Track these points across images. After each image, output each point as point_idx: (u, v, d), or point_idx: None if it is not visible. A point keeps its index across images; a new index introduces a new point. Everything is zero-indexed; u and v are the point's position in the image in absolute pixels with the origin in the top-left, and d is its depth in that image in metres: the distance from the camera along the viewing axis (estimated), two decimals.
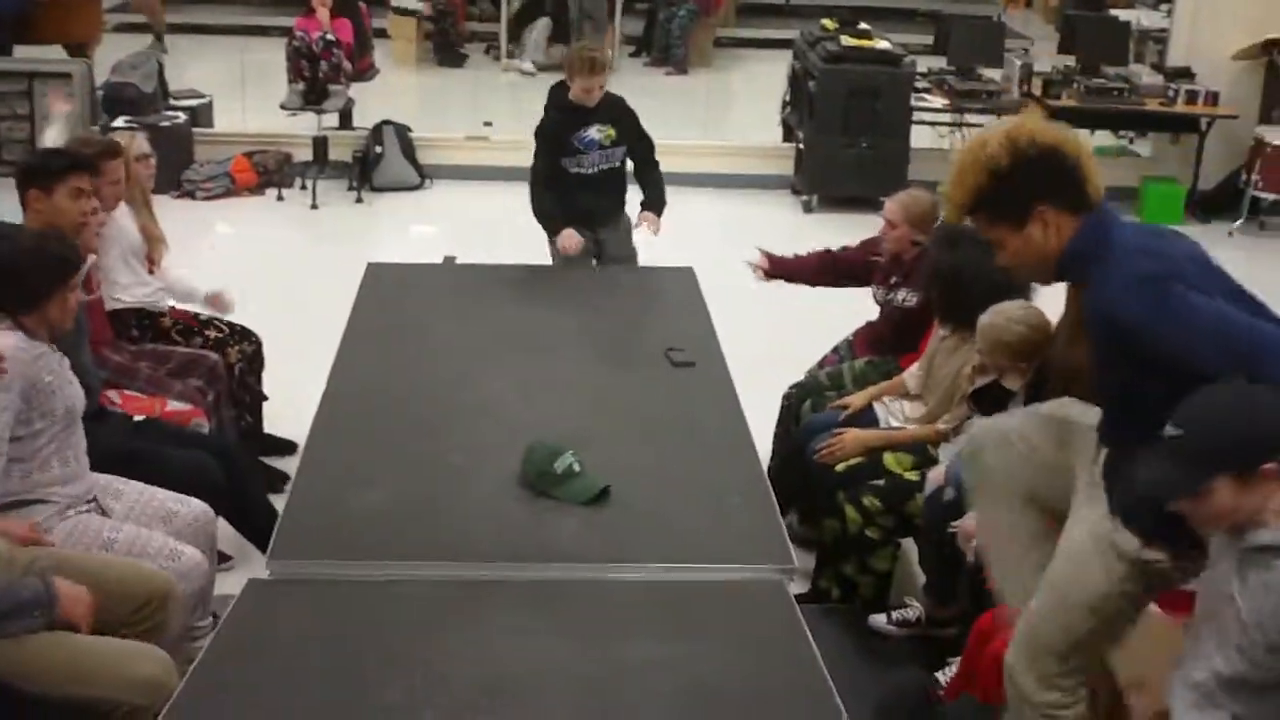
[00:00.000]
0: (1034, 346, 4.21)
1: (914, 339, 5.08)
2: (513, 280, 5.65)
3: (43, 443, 3.81)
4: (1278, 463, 2.71)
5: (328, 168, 9.86)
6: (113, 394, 4.79)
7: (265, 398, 5.71)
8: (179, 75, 10.83)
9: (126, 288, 5.27)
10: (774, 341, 5.86)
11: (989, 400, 4.44)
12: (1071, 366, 3.84)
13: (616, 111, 6.15)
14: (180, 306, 5.56)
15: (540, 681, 2.98)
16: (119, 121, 9.70)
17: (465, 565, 3.41)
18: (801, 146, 10.05)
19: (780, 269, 5.70)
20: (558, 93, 6.10)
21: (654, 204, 6.27)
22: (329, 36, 9.74)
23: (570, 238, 5.87)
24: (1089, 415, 3.33)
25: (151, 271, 5.41)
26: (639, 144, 6.24)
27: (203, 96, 10.65)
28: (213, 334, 5.48)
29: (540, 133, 6.09)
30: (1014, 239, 3.12)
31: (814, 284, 5.68)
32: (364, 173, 9.87)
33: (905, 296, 5.17)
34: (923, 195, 5.32)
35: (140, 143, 5.48)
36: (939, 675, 4.05)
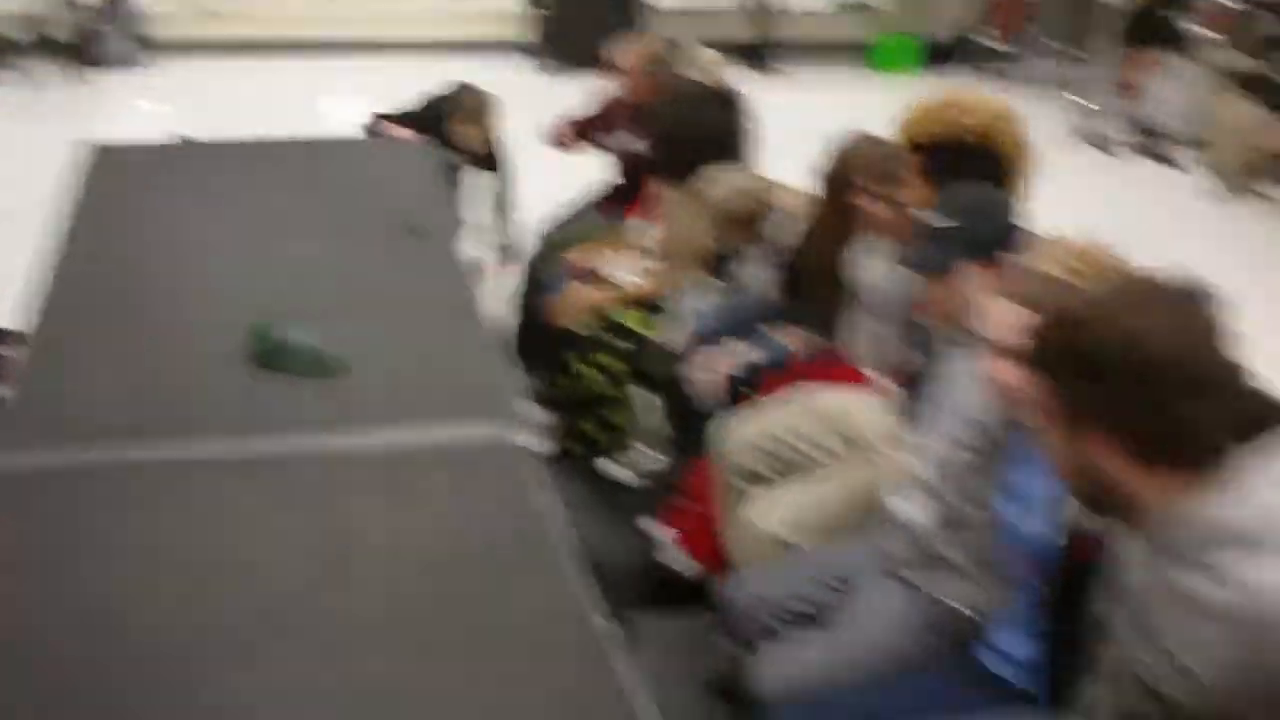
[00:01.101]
0: (760, 218, 4.32)
1: (642, 184, 5.14)
2: (248, 158, 5.50)
3: None
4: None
5: (47, 46, 9.44)
6: None
7: None
8: None
9: None
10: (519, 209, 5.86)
11: (724, 264, 4.56)
12: (826, 269, 3.97)
13: None
14: None
15: (276, 555, 2.95)
16: None
17: (188, 444, 3.34)
18: (545, 10, 9.96)
19: (579, 131, 5.68)
20: None
21: None
22: None
23: None
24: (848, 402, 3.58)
25: None
26: None
27: None
28: None
29: None
30: (920, 198, 3.37)
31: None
32: (86, 51, 9.48)
33: (632, 140, 5.22)
34: (654, 39, 5.37)
35: None
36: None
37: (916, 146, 3.44)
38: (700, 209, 4.45)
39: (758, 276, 4.49)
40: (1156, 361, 2.03)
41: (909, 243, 3.32)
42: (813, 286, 4.16)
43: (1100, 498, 2.17)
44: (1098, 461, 2.11)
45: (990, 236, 3.02)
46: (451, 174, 5.35)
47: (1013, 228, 3.09)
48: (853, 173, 3.88)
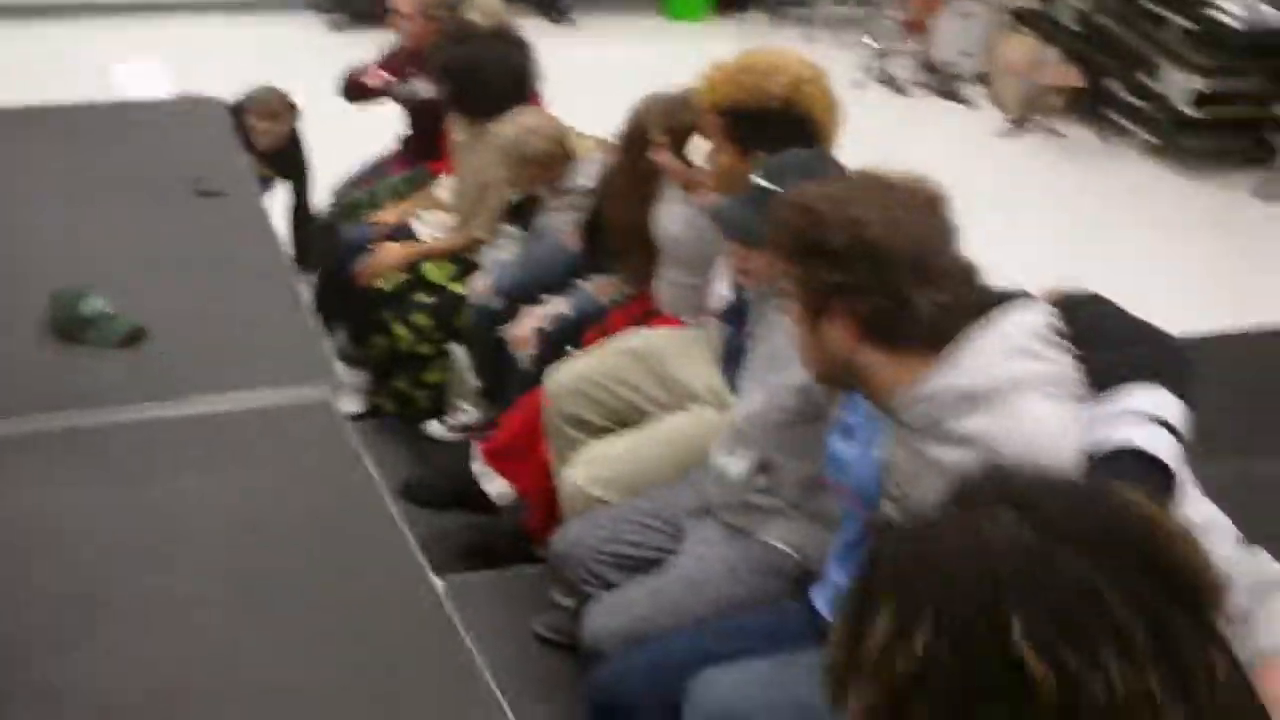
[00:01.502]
0: (556, 160, 4.33)
1: (436, 137, 5.10)
2: (28, 122, 5.30)
3: None
4: None
5: None
6: None
7: None
8: None
9: None
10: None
11: (525, 214, 4.55)
12: (629, 222, 3.99)
13: None
14: None
15: (87, 532, 2.88)
16: None
17: None
18: None
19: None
20: None
21: None
22: None
23: None
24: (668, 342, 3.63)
25: None
26: None
27: None
28: None
29: None
30: (727, 161, 3.36)
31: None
32: None
33: (419, 86, 5.18)
34: None
35: None
36: None
37: (721, 112, 3.39)
38: (495, 151, 4.44)
39: (559, 225, 4.49)
40: (883, 245, 2.26)
41: (721, 200, 3.35)
42: (618, 239, 4.18)
43: (843, 380, 2.45)
44: (838, 344, 2.35)
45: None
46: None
47: None
48: (648, 128, 3.91)
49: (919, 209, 2.36)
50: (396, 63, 5.43)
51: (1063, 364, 2.23)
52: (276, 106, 5.43)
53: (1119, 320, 2.34)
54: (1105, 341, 2.26)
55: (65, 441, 3.20)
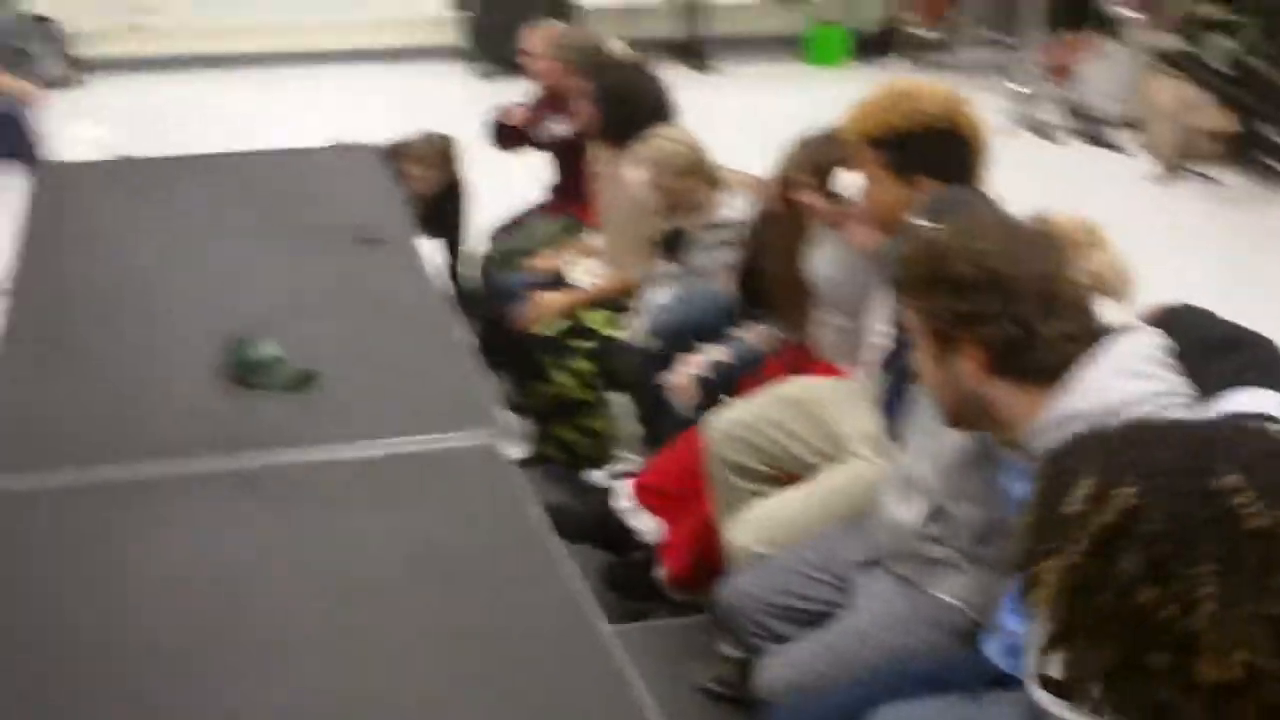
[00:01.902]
0: (698, 165, 4.42)
1: (579, 176, 5.19)
2: (192, 171, 5.45)
3: None
4: None
5: None
6: None
7: None
8: None
9: None
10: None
11: (674, 245, 4.57)
12: (783, 268, 3.97)
13: None
14: None
15: (266, 570, 2.93)
16: None
17: (171, 462, 3.31)
18: (474, 12, 9.91)
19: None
20: None
21: None
22: None
23: None
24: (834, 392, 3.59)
25: None
26: None
27: None
28: None
29: None
30: (885, 193, 3.30)
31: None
32: (18, 74, 9.33)
33: (556, 125, 5.25)
34: (557, 24, 5.44)
35: None
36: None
37: (876, 143, 3.32)
38: (643, 174, 4.46)
39: (712, 264, 4.50)
40: (1008, 274, 2.32)
41: (878, 237, 3.34)
42: (773, 286, 4.17)
43: (972, 418, 2.48)
44: (968, 378, 2.39)
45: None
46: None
47: None
48: (796, 170, 3.91)
49: (1041, 241, 2.45)
50: (536, 109, 5.51)
51: (1173, 382, 2.27)
52: (432, 153, 5.51)
53: (1216, 327, 2.40)
54: (1205, 349, 2.32)
55: (237, 483, 3.26)
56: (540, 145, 5.51)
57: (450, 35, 10.11)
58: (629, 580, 4.11)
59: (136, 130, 8.25)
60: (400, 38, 10.09)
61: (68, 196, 5.09)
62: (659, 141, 4.45)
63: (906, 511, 2.94)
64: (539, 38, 5.42)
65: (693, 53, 9.99)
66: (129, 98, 9.27)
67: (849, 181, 3.50)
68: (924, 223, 2.97)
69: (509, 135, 5.64)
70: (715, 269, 4.48)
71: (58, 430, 3.47)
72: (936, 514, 2.90)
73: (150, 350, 3.88)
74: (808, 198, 3.82)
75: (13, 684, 2.55)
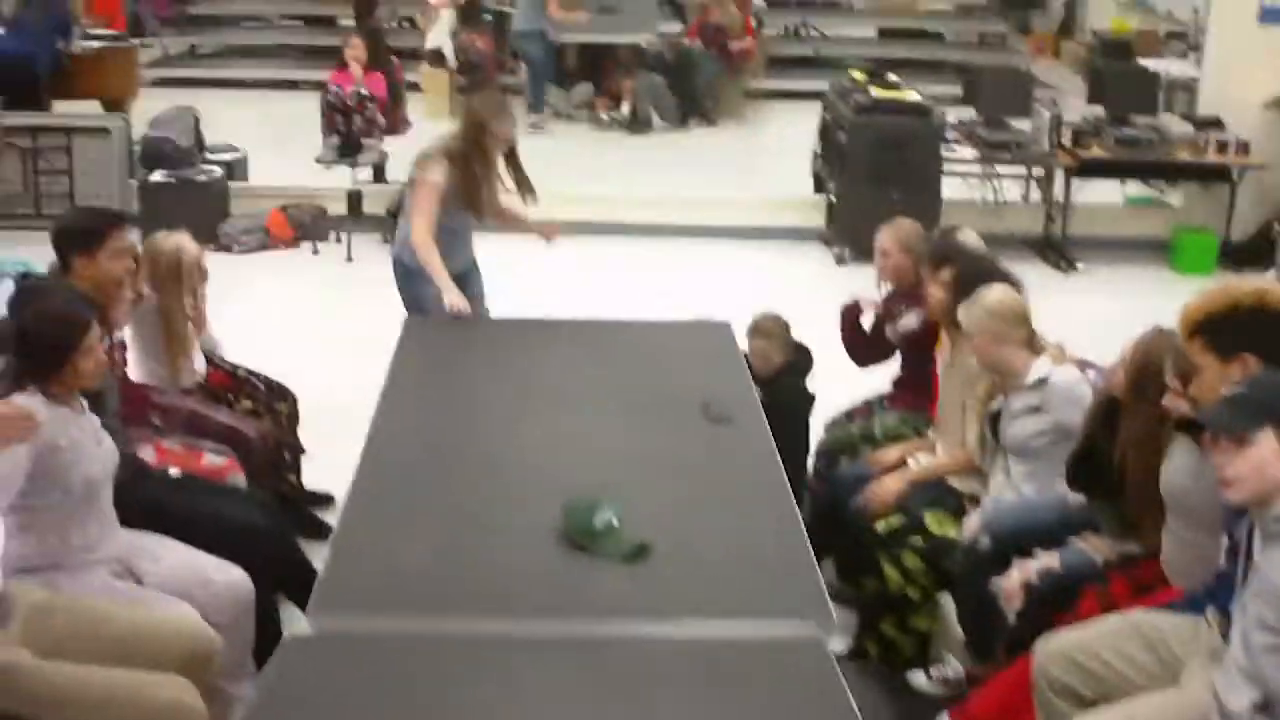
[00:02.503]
0: (1024, 310, 4.48)
1: (926, 369, 5.20)
2: (549, 332, 5.67)
3: (60, 515, 3.78)
4: None
5: (362, 221, 9.93)
6: (148, 447, 4.79)
7: (303, 451, 5.74)
8: (215, 129, 10.92)
9: (152, 377, 5.25)
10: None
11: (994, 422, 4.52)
12: (1137, 474, 3.88)
13: None
14: (216, 363, 5.56)
15: None
16: (156, 175, 9.82)
17: (504, 621, 3.41)
18: (833, 198, 10.07)
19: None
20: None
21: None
22: (362, 91, 9.83)
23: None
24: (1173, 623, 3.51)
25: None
26: None
27: (238, 150, 10.77)
28: (248, 403, 5.47)
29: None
30: (1210, 376, 3.45)
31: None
32: (398, 226, 9.91)
33: (907, 319, 5.26)
34: (910, 222, 5.48)
35: (189, 246, 5.26)
36: None
37: (1196, 331, 3.49)
38: (978, 317, 4.49)
39: (1024, 433, 4.46)
40: None
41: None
42: (1126, 489, 4.04)
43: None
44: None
45: None
46: None
47: None
48: (1161, 369, 3.81)
49: None
50: (888, 302, 5.51)
51: None
52: (771, 332, 5.57)
53: None
54: None
55: (566, 649, 3.34)
56: (893, 341, 5.51)
57: (813, 217, 10.26)
58: None
59: (500, 286, 8.66)
60: (766, 218, 10.29)
61: (428, 350, 5.34)
62: (984, 296, 4.46)
63: (1236, 698, 2.85)
64: (892, 235, 5.46)
65: (1054, 251, 9.88)
66: (497, 254, 9.70)
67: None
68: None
69: (854, 328, 5.68)
70: (1034, 444, 4.43)
71: (399, 577, 3.61)
72: (1266, 703, 2.79)
73: (492, 506, 4.03)
74: (1175, 403, 3.71)
75: None
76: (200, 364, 5.39)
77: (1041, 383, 4.44)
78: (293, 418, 5.66)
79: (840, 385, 5.82)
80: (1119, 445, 4.02)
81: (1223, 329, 3.44)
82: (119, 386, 4.61)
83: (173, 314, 5.17)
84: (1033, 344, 4.52)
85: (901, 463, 4.92)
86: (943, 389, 5.01)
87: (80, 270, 4.51)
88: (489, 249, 8.42)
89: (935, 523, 4.59)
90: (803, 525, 3.98)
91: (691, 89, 13.83)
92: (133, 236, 4.75)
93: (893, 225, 5.54)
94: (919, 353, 5.33)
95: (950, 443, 4.85)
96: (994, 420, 4.58)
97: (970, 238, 5.33)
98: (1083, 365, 4.58)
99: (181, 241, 5.24)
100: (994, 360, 4.51)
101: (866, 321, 5.65)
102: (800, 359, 5.65)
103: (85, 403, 3.92)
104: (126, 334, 4.98)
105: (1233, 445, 3.08)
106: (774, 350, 5.54)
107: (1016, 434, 4.48)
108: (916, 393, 5.38)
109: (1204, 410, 3.32)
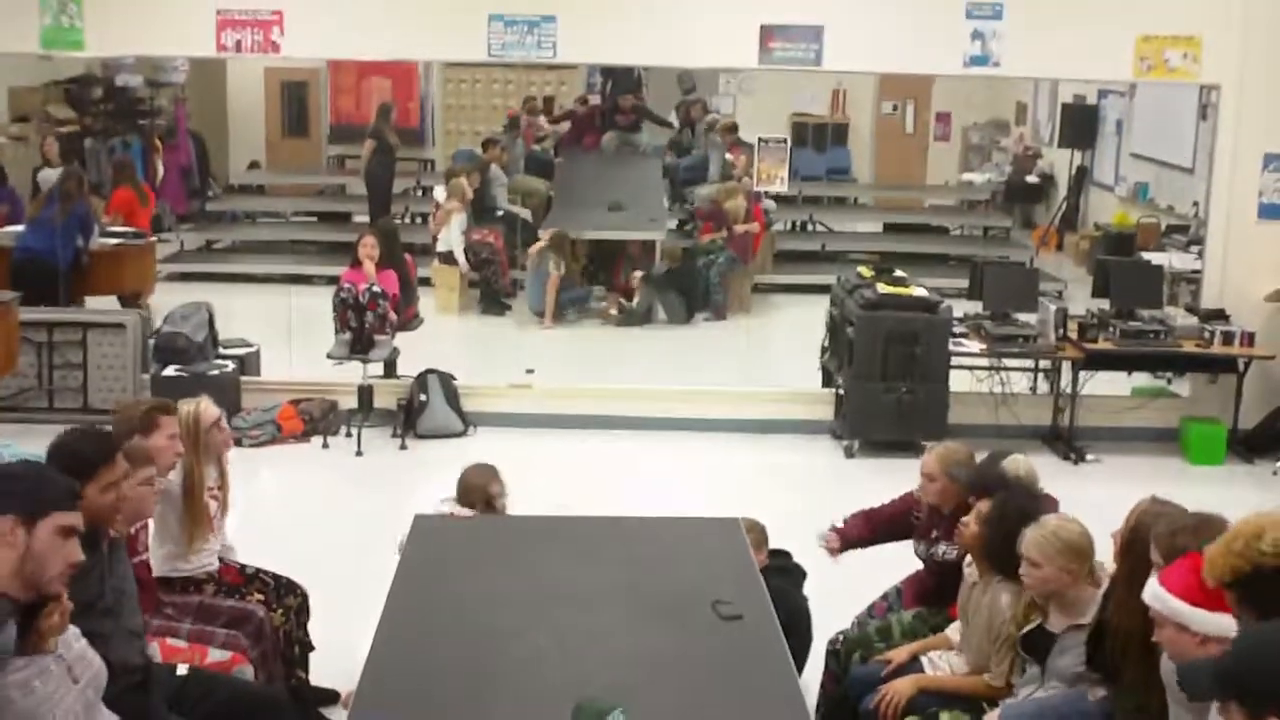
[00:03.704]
0: (1090, 545, 4.36)
1: (957, 590, 5.08)
2: (555, 530, 5.66)
3: None
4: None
5: (372, 415, 10.00)
6: (154, 644, 4.78)
7: (312, 648, 5.71)
8: (227, 324, 11.05)
9: (169, 560, 5.31)
10: (819, 588, 5.84)
11: (1037, 645, 4.44)
12: (1129, 628, 3.87)
13: None
14: (227, 561, 5.59)
15: None
16: (169, 370, 9.92)
17: None
18: (841, 391, 10.12)
19: (846, 542, 5.75)
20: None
21: None
22: (375, 288, 9.94)
23: None
24: None
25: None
26: None
27: (251, 345, 10.88)
28: (257, 596, 5.48)
29: None
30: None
31: (863, 545, 5.75)
32: (408, 420, 9.99)
33: (945, 550, 5.21)
34: (958, 447, 5.43)
35: (208, 409, 5.45)
36: None
37: (1226, 585, 3.37)
38: (1028, 568, 4.39)
39: (1076, 664, 4.36)
40: None
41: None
42: (1121, 654, 4.03)
43: None
44: None
45: (1262, 689, 2.78)
46: None
47: None
48: (1149, 540, 3.87)
49: None
50: (924, 523, 5.49)
51: None
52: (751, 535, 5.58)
53: None
54: None
55: None
56: (920, 557, 5.50)
57: (822, 411, 10.31)
58: None
59: (510, 482, 8.68)
60: (775, 411, 10.34)
61: (436, 547, 5.33)
62: (1051, 526, 4.39)
63: None
64: (937, 460, 5.40)
65: (1063, 442, 9.90)
66: (508, 452, 9.73)
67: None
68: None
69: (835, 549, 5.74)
70: (1079, 674, 4.33)
71: None
72: None
73: (501, 709, 3.98)
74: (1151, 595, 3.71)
75: None
76: (216, 554, 5.47)
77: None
78: (302, 612, 5.64)
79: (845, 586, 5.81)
80: (1116, 638, 4.02)
81: (1248, 588, 3.32)
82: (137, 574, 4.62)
83: (193, 479, 5.26)
84: (1094, 576, 4.45)
85: (914, 660, 4.88)
86: (966, 600, 4.92)
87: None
88: (498, 445, 8.46)
89: None
90: None
91: (700, 284, 13.95)
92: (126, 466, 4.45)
93: (939, 449, 5.50)
94: (950, 577, 5.23)
95: (973, 660, 4.78)
96: (1029, 639, 4.51)
97: (1020, 466, 5.31)
98: None
99: (201, 404, 5.42)
100: (1054, 592, 4.42)
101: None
102: (784, 563, 5.66)
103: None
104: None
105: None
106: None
107: (1068, 665, 4.40)
108: (937, 598, 5.33)
109: (1185, 669, 3.30)
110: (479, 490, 5.85)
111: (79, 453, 4.25)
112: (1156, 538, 3.89)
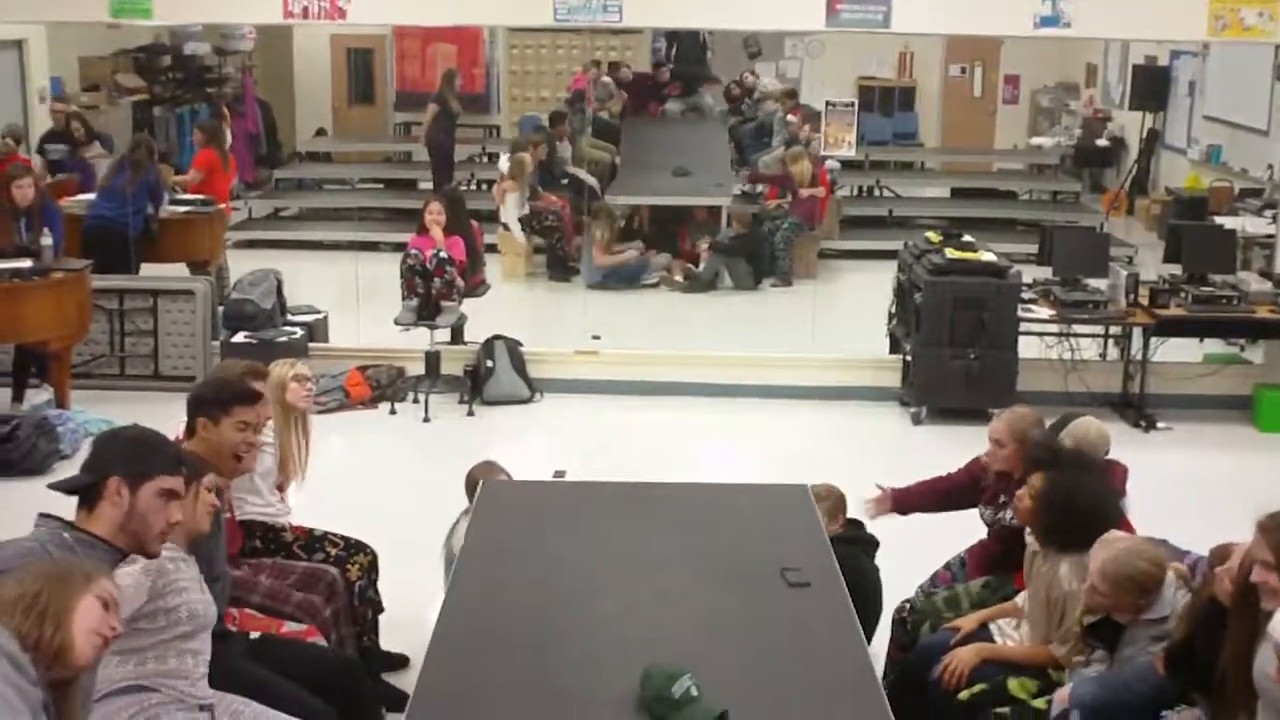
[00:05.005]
0: (1156, 583, 4.19)
1: (1023, 557, 5.04)
2: (622, 496, 5.67)
3: (164, 637, 3.89)
4: None
5: (439, 381, 10.03)
6: (232, 610, 4.87)
7: (382, 609, 5.75)
8: (296, 291, 11.12)
9: (251, 504, 5.42)
10: (886, 556, 5.82)
11: (1105, 635, 4.39)
12: (1230, 659, 3.80)
13: None
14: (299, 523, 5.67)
15: None
16: (238, 337, 10.00)
17: None
18: (909, 358, 10.06)
19: (898, 503, 5.73)
20: None
21: None
22: (442, 254, 9.96)
23: None
24: None
25: (281, 493, 5.59)
26: None
27: (319, 312, 10.95)
28: (332, 550, 5.57)
29: None
30: None
31: (926, 512, 5.73)
32: (475, 387, 10.02)
33: (1012, 516, 5.14)
34: (1027, 412, 5.37)
35: (300, 367, 5.77)
36: None
37: None
38: (1090, 584, 4.32)
39: (1143, 654, 4.31)
40: None
41: None
42: (1219, 678, 3.95)
43: None
44: None
45: None
46: None
47: None
48: (1259, 551, 3.74)
49: None
50: (991, 489, 5.45)
51: None
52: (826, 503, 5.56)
53: None
54: None
55: None
56: (987, 525, 5.47)
57: (889, 378, 10.26)
58: None
59: (578, 450, 8.70)
60: (842, 378, 10.29)
61: (506, 511, 5.35)
62: (1121, 555, 4.29)
63: None
64: (1006, 425, 5.35)
65: (1133, 409, 9.79)
66: (575, 419, 9.77)
67: None
68: None
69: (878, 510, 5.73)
70: (1146, 657, 4.30)
71: None
72: None
73: (570, 672, 4.00)
74: (1272, 581, 3.65)
75: None
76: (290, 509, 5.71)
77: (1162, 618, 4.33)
78: (372, 570, 5.69)
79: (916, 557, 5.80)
80: (1224, 655, 3.93)
81: None
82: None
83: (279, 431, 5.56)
84: (1158, 587, 4.34)
85: (983, 628, 4.85)
86: (1030, 568, 4.88)
87: (200, 432, 4.69)
88: (565, 412, 8.48)
89: (1019, 688, 4.51)
90: (884, 694, 3.92)
91: (766, 250, 13.90)
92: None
93: (1007, 414, 5.44)
94: (1013, 541, 5.19)
95: (1036, 635, 4.75)
96: (1095, 627, 4.46)
97: (1092, 429, 5.23)
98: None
99: (276, 366, 5.73)
100: (1112, 608, 4.36)
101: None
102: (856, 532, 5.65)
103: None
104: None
105: None
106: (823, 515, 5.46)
107: (1134, 654, 4.35)
108: (1001, 565, 5.30)
109: None
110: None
111: (230, 383, 4.88)
112: (1268, 543, 3.77)
